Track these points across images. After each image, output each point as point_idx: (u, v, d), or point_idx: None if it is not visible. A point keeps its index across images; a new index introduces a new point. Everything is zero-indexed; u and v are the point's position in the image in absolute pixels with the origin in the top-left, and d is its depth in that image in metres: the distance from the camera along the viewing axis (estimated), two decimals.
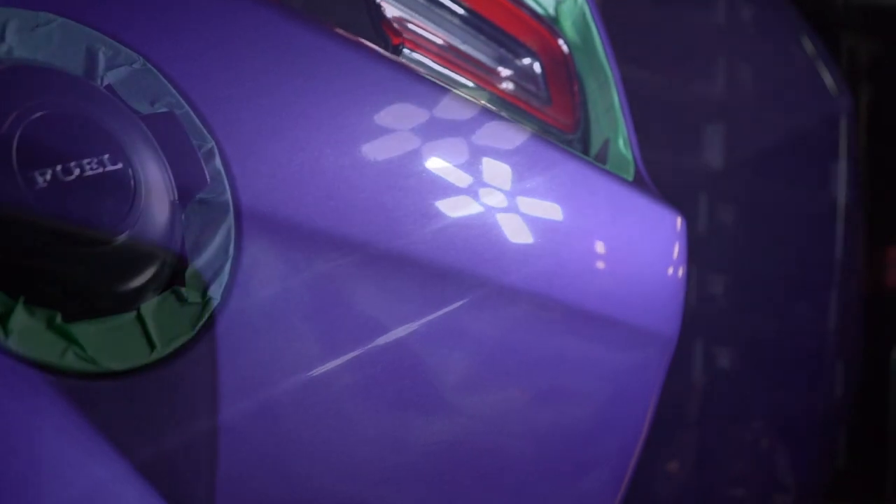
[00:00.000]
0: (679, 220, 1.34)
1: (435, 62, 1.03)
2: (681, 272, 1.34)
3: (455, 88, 0.96)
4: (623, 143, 1.34)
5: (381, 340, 0.76)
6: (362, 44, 0.85)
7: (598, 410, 1.15)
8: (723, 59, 1.07)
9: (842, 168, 1.18)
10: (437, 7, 1.10)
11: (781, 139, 1.01)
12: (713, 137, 1.04)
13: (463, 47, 1.13)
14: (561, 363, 1.06)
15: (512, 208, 0.98)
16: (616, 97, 1.36)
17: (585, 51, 1.39)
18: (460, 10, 1.14)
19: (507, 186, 0.98)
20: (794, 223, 1.12)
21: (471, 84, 1.09)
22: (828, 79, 1.26)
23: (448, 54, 1.08)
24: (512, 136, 1.02)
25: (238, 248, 0.69)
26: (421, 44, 1.02)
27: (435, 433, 0.86)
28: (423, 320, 0.82)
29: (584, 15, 1.41)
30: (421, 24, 1.05)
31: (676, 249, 1.33)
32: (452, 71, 1.06)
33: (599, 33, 1.40)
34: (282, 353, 0.69)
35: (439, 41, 1.07)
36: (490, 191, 0.95)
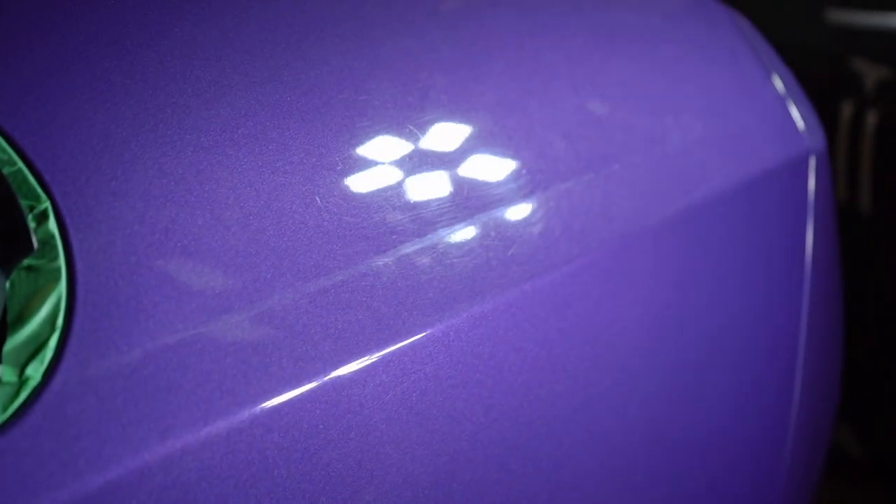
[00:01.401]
0: None
1: None
2: None
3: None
4: None
5: (246, 416, 0.68)
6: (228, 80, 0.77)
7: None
8: (674, 96, 0.98)
9: (809, 204, 1.08)
10: None
11: (734, 176, 0.93)
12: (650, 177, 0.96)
13: None
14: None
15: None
16: None
17: None
18: None
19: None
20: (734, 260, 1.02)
21: None
22: (797, 118, 1.17)
23: None
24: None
25: (69, 319, 0.62)
26: None
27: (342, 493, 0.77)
28: (299, 392, 0.72)
29: None
30: None
31: None
32: None
33: None
34: (115, 439, 0.61)
35: None
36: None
